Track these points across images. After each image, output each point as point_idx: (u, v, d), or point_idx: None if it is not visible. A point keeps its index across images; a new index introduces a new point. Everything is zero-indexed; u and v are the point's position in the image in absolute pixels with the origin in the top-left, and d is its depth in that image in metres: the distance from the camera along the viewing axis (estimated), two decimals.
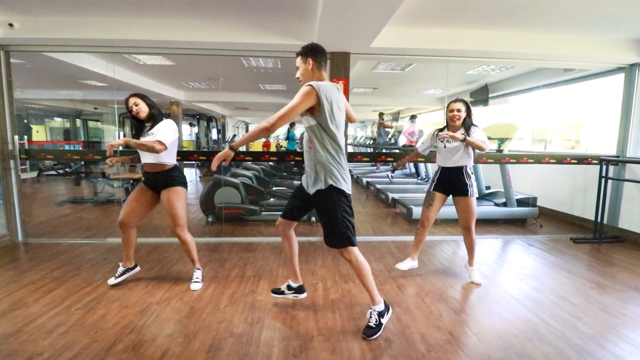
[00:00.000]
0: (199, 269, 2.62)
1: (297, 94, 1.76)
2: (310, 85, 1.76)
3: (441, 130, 2.67)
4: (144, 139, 2.35)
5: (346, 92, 3.49)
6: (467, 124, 2.55)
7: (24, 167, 7.94)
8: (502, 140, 4.42)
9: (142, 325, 2.01)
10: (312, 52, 1.89)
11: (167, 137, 2.31)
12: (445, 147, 2.61)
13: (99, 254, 3.22)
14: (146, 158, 2.40)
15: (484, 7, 2.90)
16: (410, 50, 3.49)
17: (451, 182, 2.62)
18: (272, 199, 5.18)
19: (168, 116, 2.51)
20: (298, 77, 1.94)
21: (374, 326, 1.93)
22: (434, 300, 2.39)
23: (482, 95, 6.10)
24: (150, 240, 3.63)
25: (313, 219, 4.45)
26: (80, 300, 2.31)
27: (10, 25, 3.06)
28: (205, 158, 3.84)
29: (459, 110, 2.52)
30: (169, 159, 2.42)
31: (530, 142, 6.16)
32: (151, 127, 2.40)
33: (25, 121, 9.76)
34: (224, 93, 7.93)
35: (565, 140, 6.30)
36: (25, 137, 3.50)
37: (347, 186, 1.88)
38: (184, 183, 2.49)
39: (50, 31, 3.19)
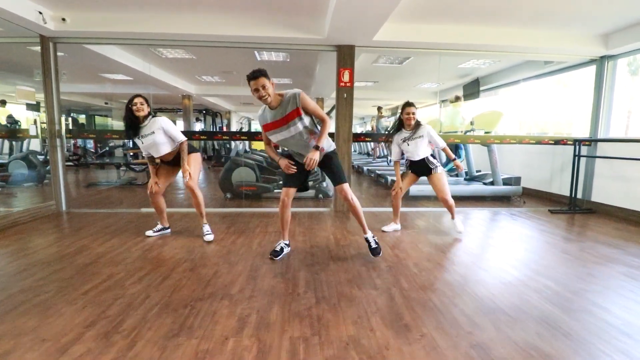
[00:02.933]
0: (206, 223, 3.05)
1: (308, 99, 2.26)
2: (301, 91, 2.25)
3: (391, 134, 3.23)
4: (146, 139, 2.78)
5: (351, 81, 4.00)
6: (417, 123, 3.11)
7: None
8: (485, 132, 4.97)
9: (193, 258, 2.52)
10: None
11: (179, 133, 2.87)
12: (408, 145, 3.12)
13: (137, 219, 3.72)
14: (164, 153, 2.85)
15: (472, 5, 3.39)
16: (408, 44, 4.00)
17: (421, 168, 3.18)
18: (281, 181, 5.68)
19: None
20: (264, 96, 2.18)
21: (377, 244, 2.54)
22: (425, 245, 2.90)
23: (473, 88, 6.62)
24: (179, 210, 4.14)
25: (321, 195, 4.96)
26: (136, 245, 2.81)
27: (63, 19, 3.55)
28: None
29: (414, 113, 3.06)
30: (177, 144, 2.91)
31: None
32: (145, 125, 2.78)
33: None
34: (233, 87, 8.42)
35: (556, 134, 6.76)
36: (70, 118, 3.94)
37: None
38: (196, 150, 3.01)
39: (93, 25, 3.67)
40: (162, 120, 2.79)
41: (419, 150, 3.10)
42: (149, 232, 3.10)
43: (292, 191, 2.49)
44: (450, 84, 7.32)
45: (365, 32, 3.54)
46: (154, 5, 3.48)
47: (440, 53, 4.26)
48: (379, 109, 8.65)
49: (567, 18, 3.70)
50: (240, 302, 1.85)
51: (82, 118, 11.61)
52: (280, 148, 2.67)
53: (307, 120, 2.30)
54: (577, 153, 4.34)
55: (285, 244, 2.63)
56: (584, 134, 4.65)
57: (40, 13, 3.39)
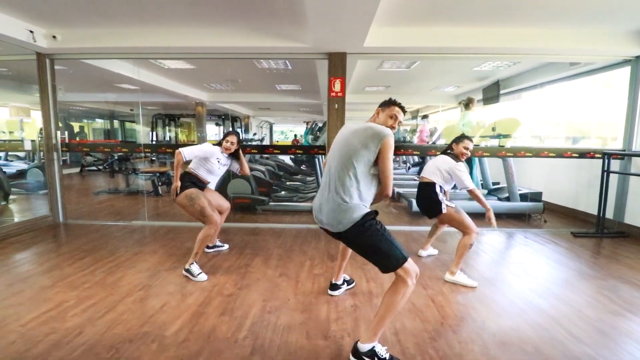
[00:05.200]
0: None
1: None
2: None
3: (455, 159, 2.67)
4: (222, 168, 2.88)
5: (343, 90, 3.74)
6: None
7: (65, 161, 8.93)
8: (502, 136, 4.48)
9: (150, 285, 2.39)
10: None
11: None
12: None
13: (124, 233, 3.70)
14: (214, 181, 2.93)
15: (479, 3, 2.98)
16: (407, 49, 3.67)
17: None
18: (283, 192, 5.52)
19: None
20: (393, 127, 1.78)
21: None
22: None
23: (493, 92, 6.07)
24: (169, 223, 4.09)
25: None
26: (104, 266, 2.74)
27: (54, 37, 3.61)
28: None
29: (470, 149, 2.66)
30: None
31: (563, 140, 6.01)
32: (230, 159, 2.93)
33: (71, 122, 10.86)
34: (244, 94, 8.41)
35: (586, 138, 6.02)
36: (67, 132, 4.04)
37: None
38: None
39: (87, 41, 3.71)
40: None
41: None
42: (204, 277, 2.50)
43: None
44: (469, 87, 6.79)
45: (352, 38, 3.27)
46: (144, 19, 3.44)
47: (443, 58, 3.87)
48: None
49: (594, 13, 3.17)
50: (168, 348, 1.68)
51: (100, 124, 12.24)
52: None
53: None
54: (606, 168, 3.76)
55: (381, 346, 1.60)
56: (617, 145, 4.04)
57: (31, 32, 3.46)
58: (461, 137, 2.69)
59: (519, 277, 2.68)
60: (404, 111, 1.84)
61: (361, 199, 1.62)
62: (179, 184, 2.60)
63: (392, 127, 1.78)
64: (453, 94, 7.49)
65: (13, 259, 2.90)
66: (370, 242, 1.57)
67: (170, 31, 3.65)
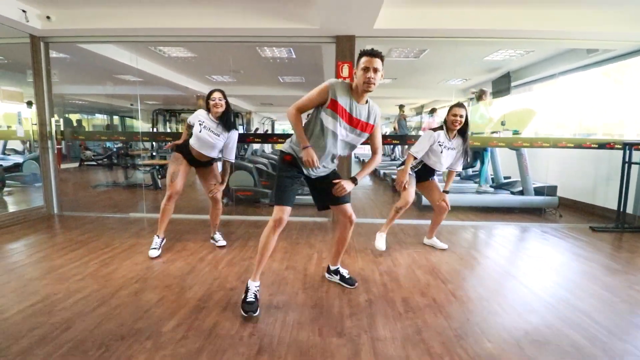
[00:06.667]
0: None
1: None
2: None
3: (436, 129, 2.64)
4: (209, 133, 2.58)
5: (351, 76, 3.54)
6: (463, 130, 2.62)
7: (64, 156, 8.74)
8: (514, 132, 4.31)
9: (147, 278, 2.22)
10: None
11: (234, 153, 2.74)
12: (442, 152, 2.62)
13: (121, 225, 3.52)
14: (208, 155, 2.66)
15: None
16: (417, 32, 3.48)
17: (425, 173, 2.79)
18: None
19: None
20: (371, 81, 1.73)
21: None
22: (424, 272, 2.41)
23: (503, 84, 5.88)
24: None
25: None
26: (98, 258, 2.57)
27: (48, 17, 3.43)
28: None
29: (461, 116, 2.54)
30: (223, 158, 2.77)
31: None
32: (223, 128, 2.60)
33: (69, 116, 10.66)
34: (247, 87, 8.22)
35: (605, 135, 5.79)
36: (62, 119, 3.86)
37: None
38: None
39: (82, 22, 3.51)
40: (234, 133, 2.67)
41: (447, 161, 2.69)
42: (154, 253, 2.59)
43: (289, 211, 1.84)
44: (477, 80, 6.60)
45: (362, 18, 3.08)
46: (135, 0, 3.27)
47: (455, 42, 3.68)
48: (401, 107, 8.07)
49: None
50: (165, 346, 1.50)
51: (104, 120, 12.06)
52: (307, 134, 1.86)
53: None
54: (627, 159, 3.58)
55: (257, 288, 1.86)
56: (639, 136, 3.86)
57: (24, 11, 3.28)
58: (452, 106, 2.57)
59: (541, 270, 2.51)
60: (379, 56, 1.74)
61: (292, 141, 1.93)
62: (179, 141, 2.77)
63: (369, 81, 1.73)
64: (460, 87, 7.29)
65: (1, 250, 2.73)
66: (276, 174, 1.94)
67: (169, 12, 3.47)
